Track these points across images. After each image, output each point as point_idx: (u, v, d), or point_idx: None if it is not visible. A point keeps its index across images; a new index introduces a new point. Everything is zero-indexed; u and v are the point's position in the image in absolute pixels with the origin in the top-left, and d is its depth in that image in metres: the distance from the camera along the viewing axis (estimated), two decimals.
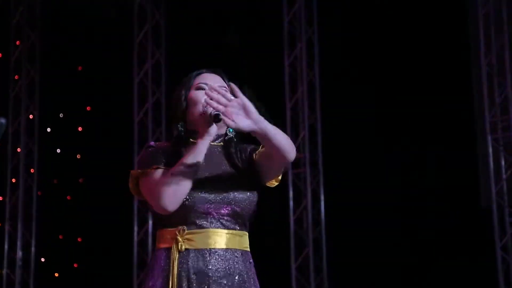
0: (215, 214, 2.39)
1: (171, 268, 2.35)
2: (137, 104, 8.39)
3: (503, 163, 6.76)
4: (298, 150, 7.62)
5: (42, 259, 8.81)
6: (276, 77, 7.81)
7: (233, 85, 2.29)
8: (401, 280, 7.32)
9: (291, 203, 7.59)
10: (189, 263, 2.35)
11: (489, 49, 6.88)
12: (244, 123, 2.21)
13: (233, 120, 2.21)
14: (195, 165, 2.33)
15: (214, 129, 2.38)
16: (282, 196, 7.55)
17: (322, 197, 7.56)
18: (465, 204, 7.28)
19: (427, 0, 7.60)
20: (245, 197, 2.43)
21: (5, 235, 8.63)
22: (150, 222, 8.13)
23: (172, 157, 2.40)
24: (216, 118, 2.27)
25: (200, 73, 2.55)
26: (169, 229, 2.39)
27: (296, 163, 7.68)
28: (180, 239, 2.36)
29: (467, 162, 7.31)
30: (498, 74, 6.86)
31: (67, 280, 8.87)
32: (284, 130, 2.38)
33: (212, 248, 2.38)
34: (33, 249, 8.55)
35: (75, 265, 9.04)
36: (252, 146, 2.54)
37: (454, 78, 7.47)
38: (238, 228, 2.43)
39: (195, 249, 2.37)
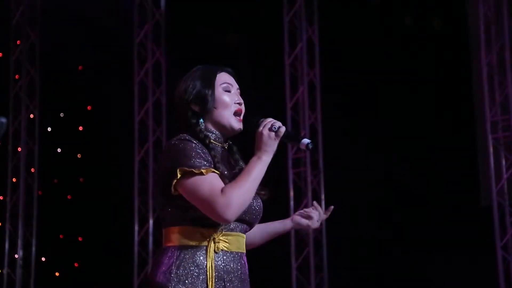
0: (243, 219, 2.40)
1: (208, 268, 2.31)
2: (138, 104, 8.39)
3: (503, 162, 6.75)
4: (298, 149, 7.62)
5: (43, 259, 8.82)
6: (276, 77, 7.81)
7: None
8: (401, 279, 7.32)
9: (291, 202, 7.59)
10: (223, 264, 2.35)
11: (490, 48, 6.87)
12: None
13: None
14: (259, 181, 2.35)
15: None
16: (282, 196, 7.55)
17: (323, 197, 7.55)
18: (466, 204, 7.28)
19: (427, 0, 7.60)
20: (262, 206, 2.48)
21: (5, 234, 8.63)
22: (151, 222, 8.13)
23: (210, 159, 2.35)
24: (308, 146, 2.36)
25: (217, 72, 2.52)
26: (202, 228, 2.34)
27: (297, 162, 7.68)
28: (217, 239, 2.34)
29: (467, 161, 7.31)
30: (498, 73, 6.86)
31: (67, 279, 8.88)
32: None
33: (241, 252, 2.42)
34: (33, 248, 8.55)
35: (76, 265, 9.04)
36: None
37: (455, 77, 7.47)
38: (246, 232, 2.48)
39: (228, 251, 2.37)
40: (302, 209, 2.83)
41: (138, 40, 8.46)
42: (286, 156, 7.61)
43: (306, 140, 2.37)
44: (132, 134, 8.31)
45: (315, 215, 2.76)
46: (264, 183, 2.56)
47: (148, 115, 8.35)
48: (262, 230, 2.70)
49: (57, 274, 9.00)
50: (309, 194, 7.55)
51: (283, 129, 2.37)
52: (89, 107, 9.16)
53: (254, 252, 2.63)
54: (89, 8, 8.61)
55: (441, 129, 7.51)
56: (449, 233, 7.27)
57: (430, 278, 7.33)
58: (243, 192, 2.28)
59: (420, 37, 7.50)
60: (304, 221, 2.74)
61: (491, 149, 6.73)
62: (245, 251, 2.45)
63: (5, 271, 8.55)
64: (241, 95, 2.54)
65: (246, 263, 2.45)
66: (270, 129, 2.37)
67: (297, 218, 2.75)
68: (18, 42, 8.95)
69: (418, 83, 7.49)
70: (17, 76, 8.93)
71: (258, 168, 2.34)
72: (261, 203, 2.49)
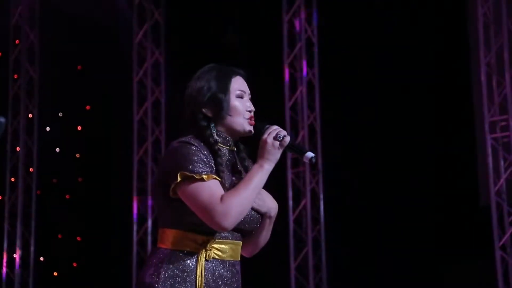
0: (239, 228, 2.38)
1: (198, 275, 2.31)
2: (137, 103, 8.40)
3: (502, 162, 6.76)
4: None
5: (41, 258, 8.81)
6: (275, 77, 7.81)
7: None
8: (400, 279, 7.32)
9: (290, 202, 7.59)
10: (212, 272, 2.33)
11: (488, 48, 6.87)
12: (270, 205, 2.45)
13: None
14: (260, 189, 2.33)
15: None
16: (281, 196, 7.55)
17: (321, 197, 7.55)
18: (465, 203, 7.28)
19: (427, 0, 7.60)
20: (258, 217, 2.45)
21: (4, 234, 8.63)
22: (150, 221, 8.13)
23: (212, 162, 2.34)
24: (312, 160, 2.33)
25: (232, 76, 2.48)
26: (196, 234, 2.33)
27: (296, 162, 7.68)
28: (209, 247, 2.33)
29: (466, 161, 7.31)
30: (497, 73, 6.86)
31: (66, 279, 8.87)
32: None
33: (234, 260, 2.40)
34: (32, 248, 8.55)
35: (74, 264, 9.03)
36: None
37: (453, 77, 7.47)
38: (242, 239, 2.46)
39: (220, 260, 2.35)
40: (301, 209, 2.79)
41: (137, 40, 8.46)
42: (285, 156, 7.61)
43: (310, 154, 2.33)
44: (131, 134, 8.31)
45: None
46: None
47: (147, 114, 8.35)
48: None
49: (55, 274, 9.00)
50: (308, 194, 7.55)
51: (288, 138, 2.34)
52: (88, 107, 9.16)
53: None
54: (88, 8, 8.61)
55: (440, 129, 7.51)
56: (448, 233, 7.27)
57: (429, 277, 7.33)
58: (242, 200, 2.26)
59: (419, 37, 7.50)
60: None
61: (489, 149, 6.74)
62: (239, 259, 2.43)
63: (3, 271, 8.55)
64: (250, 99, 2.52)
65: (239, 271, 2.43)
66: (275, 138, 2.34)
67: None
68: (17, 41, 8.95)
69: (417, 83, 7.49)
70: (16, 76, 8.93)
71: (259, 176, 2.31)
72: (258, 214, 2.45)
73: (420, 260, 7.34)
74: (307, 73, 7.79)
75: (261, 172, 2.32)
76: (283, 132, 2.35)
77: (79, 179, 9.17)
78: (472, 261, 6.97)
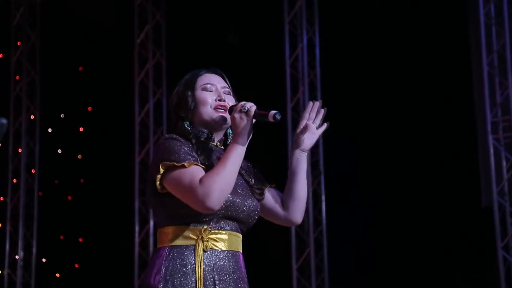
0: (234, 217, 2.41)
1: (197, 267, 2.33)
2: (138, 105, 8.39)
3: (504, 163, 6.75)
4: None
5: (43, 260, 8.82)
6: (277, 78, 7.81)
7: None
8: (402, 280, 7.31)
9: None
10: (212, 263, 2.35)
11: (490, 49, 6.86)
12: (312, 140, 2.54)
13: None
14: (239, 166, 2.36)
15: (250, 131, 2.39)
16: None
17: (323, 198, 7.55)
18: (466, 204, 7.28)
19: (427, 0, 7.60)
20: (257, 206, 2.48)
21: (6, 235, 8.63)
22: (151, 222, 8.12)
23: (196, 155, 2.39)
24: (275, 117, 2.35)
25: (202, 74, 2.56)
26: (191, 227, 2.36)
27: None
28: (206, 238, 2.35)
29: (468, 162, 7.30)
30: (499, 74, 6.85)
31: (68, 280, 8.88)
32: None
33: (234, 251, 2.41)
34: (34, 249, 8.55)
35: (76, 266, 9.04)
36: (259, 172, 2.58)
37: (455, 78, 7.47)
38: (241, 232, 2.47)
39: (218, 250, 2.37)
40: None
41: (138, 41, 8.46)
42: (286, 157, 7.61)
43: (273, 112, 2.37)
44: (132, 135, 8.31)
45: (310, 125, 2.59)
46: (262, 182, 2.55)
47: (148, 116, 8.35)
48: (289, 183, 2.56)
49: (57, 275, 9.00)
50: (310, 195, 7.54)
51: (253, 108, 2.38)
52: (89, 108, 9.16)
53: (255, 253, 2.62)
54: (89, 9, 8.62)
55: (442, 130, 7.51)
56: (450, 234, 7.26)
57: (431, 278, 7.33)
58: (221, 178, 2.29)
59: (420, 38, 7.49)
60: (302, 137, 2.57)
61: (491, 150, 6.73)
62: (240, 250, 2.44)
63: (5, 272, 8.55)
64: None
65: (242, 262, 2.44)
66: (241, 111, 2.38)
67: (297, 139, 2.57)
68: (18, 43, 8.95)
69: (419, 83, 7.49)
70: (17, 77, 8.93)
71: (235, 152, 2.35)
72: (256, 203, 2.48)
73: (421, 261, 7.33)
74: (309, 74, 7.78)
75: (236, 147, 2.35)
76: (249, 104, 2.39)
77: (81, 180, 9.17)
78: (474, 261, 6.96)
